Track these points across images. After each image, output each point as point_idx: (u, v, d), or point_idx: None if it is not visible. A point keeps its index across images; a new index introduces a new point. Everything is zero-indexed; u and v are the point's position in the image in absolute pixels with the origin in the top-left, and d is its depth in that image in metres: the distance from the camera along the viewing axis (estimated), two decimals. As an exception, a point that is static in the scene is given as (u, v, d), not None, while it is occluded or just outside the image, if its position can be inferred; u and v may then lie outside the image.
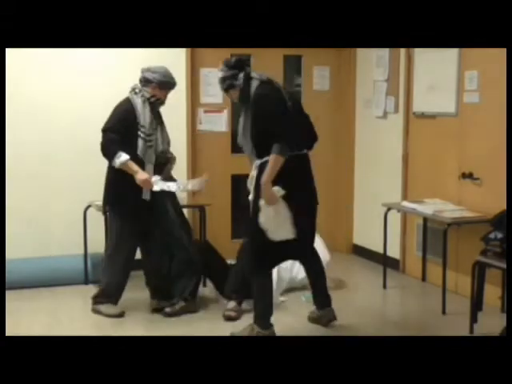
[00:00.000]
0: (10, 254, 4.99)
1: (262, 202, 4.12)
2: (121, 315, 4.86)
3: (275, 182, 4.12)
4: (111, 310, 4.87)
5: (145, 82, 4.76)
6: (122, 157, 4.60)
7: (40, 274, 5.54)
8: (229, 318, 4.80)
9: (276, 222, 4.12)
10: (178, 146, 6.23)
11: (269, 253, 4.24)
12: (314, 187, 4.51)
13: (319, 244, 5.12)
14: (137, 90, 4.77)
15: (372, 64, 6.38)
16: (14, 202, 5.49)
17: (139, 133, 4.67)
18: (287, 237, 4.14)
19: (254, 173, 4.26)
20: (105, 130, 4.69)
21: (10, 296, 4.87)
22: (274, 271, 4.64)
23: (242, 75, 4.27)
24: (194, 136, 6.35)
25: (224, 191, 6.56)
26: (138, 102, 4.72)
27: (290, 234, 4.15)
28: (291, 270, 5.34)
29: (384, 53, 6.17)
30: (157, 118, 4.83)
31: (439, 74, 5.55)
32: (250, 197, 4.28)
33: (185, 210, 6.17)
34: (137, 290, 5.20)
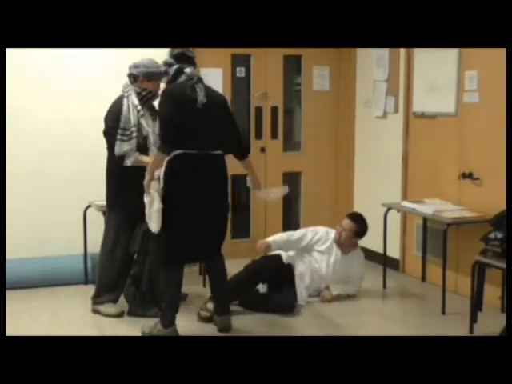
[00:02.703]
0: (10, 254, 4.98)
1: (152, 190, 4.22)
2: (120, 315, 4.85)
3: (175, 178, 4.18)
4: (110, 309, 4.86)
5: (133, 78, 4.78)
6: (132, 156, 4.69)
7: (40, 274, 5.53)
8: (203, 318, 4.75)
9: (148, 213, 4.25)
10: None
11: (177, 248, 4.26)
12: (223, 188, 4.43)
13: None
14: (124, 91, 4.78)
15: (372, 64, 6.38)
16: (14, 201, 5.49)
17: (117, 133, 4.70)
18: (152, 229, 4.25)
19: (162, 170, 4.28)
20: (106, 132, 4.76)
21: (10, 296, 4.87)
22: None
23: (175, 67, 4.29)
24: (194, 136, 6.34)
25: (224, 191, 6.55)
26: (124, 102, 4.73)
27: (155, 228, 4.23)
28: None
29: (384, 53, 6.17)
30: (151, 110, 4.84)
31: (439, 74, 5.55)
32: (153, 210, 4.23)
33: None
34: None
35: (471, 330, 4.49)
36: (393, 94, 6.13)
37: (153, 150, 4.59)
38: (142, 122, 4.75)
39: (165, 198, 4.20)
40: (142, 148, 4.73)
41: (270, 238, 5.32)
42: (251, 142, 6.67)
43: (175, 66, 4.29)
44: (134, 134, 4.70)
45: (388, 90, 6.19)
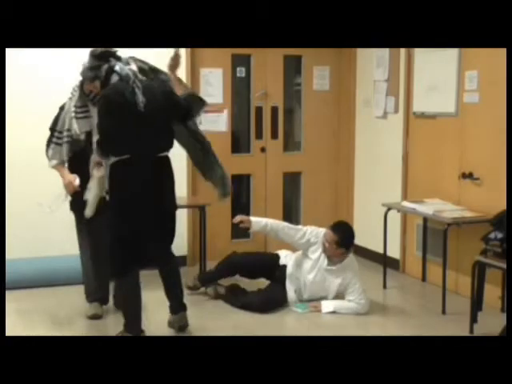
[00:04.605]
0: (9, 254, 4.98)
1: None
2: (93, 317, 4.78)
3: (117, 185, 4.16)
4: (88, 310, 4.83)
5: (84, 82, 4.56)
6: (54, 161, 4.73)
7: (40, 274, 5.53)
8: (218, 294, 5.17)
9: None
10: (178, 145, 6.24)
11: (121, 255, 4.20)
12: (169, 191, 4.35)
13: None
14: (72, 92, 4.66)
15: (372, 64, 6.38)
16: (14, 201, 5.49)
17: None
18: (86, 214, 4.38)
19: (105, 172, 4.22)
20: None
21: (10, 296, 4.86)
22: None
23: (105, 67, 4.16)
24: (194, 136, 6.34)
25: (224, 191, 6.55)
26: (65, 104, 4.68)
27: (88, 213, 4.37)
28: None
29: (384, 53, 6.17)
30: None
31: (439, 74, 5.55)
32: (90, 196, 4.34)
33: (185, 210, 6.20)
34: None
35: (471, 330, 4.50)
36: (393, 94, 6.13)
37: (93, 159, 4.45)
38: (74, 126, 4.56)
39: (109, 205, 4.22)
40: (79, 155, 4.60)
41: (254, 218, 5.24)
42: (251, 141, 6.68)
43: (105, 66, 4.15)
44: (65, 139, 4.62)
45: (388, 90, 6.19)
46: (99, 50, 4.19)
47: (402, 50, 5.97)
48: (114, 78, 4.14)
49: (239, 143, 6.73)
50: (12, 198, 5.38)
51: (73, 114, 4.56)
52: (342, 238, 5.01)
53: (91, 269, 4.87)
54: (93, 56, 4.19)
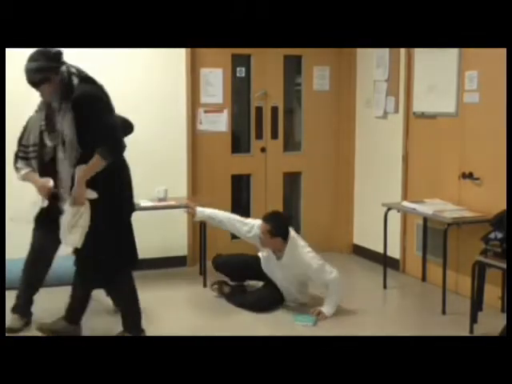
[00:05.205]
0: (10, 253, 4.98)
1: (67, 204, 3.93)
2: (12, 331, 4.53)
3: (126, 182, 4.11)
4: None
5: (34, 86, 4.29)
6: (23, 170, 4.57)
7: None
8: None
9: (71, 225, 3.92)
10: (178, 146, 6.25)
11: (122, 249, 4.13)
12: (121, 196, 4.11)
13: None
14: (39, 104, 4.43)
15: (372, 64, 6.38)
16: (14, 201, 5.48)
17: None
18: (72, 244, 4.01)
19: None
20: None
21: (11, 296, 4.86)
22: None
23: (64, 69, 3.88)
24: (194, 136, 6.35)
25: (224, 191, 6.56)
26: (32, 117, 4.54)
27: (77, 244, 3.97)
28: None
29: (384, 53, 6.17)
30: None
31: (439, 74, 5.55)
32: (84, 223, 3.95)
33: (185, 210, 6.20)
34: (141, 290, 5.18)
35: (471, 330, 4.49)
36: (393, 94, 6.13)
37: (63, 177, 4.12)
38: (46, 139, 4.35)
39: (104, 208, 3.96)
40: (47, 170, 4.35)
41: (200, 208, 5.19)
42: (251, 142, 6.68)
43: (64, 68, 3.91)
44: (32, 155, 4.47)
45: (388, 90, 6.19)
46: (52, 50, 3.89)
47: (402, 50, 5.97)
48: (75, 80, 3.90)
49: (239, 143, 6.74)
50: (12, 198, 5.37)
51: (43, 128, 4.36)
52: (275, 227, 4.93)
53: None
54: (45, 55, 3.86)
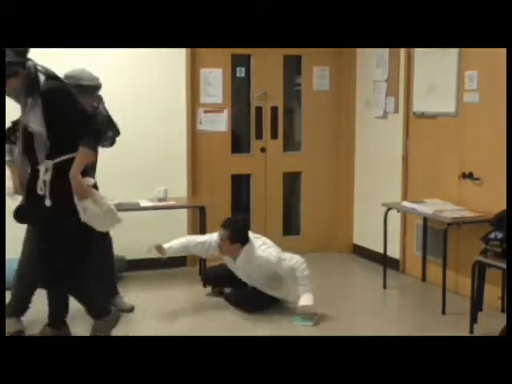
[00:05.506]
0: (10, 253, 4.98)
1: (77, 200, 3.87)
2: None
3: None
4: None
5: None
6: None
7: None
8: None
9: (101, 212, 3.94)
10: (178, 146, 6.25)
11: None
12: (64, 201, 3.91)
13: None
14: None
15: (372, 64, 6.38)
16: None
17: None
18: (112, 226, 4.11)
19: (45, 177, 3.86)
20: None
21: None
22: None
23: (31, 64, 3.85)
24: (194, 136, 6.36)
25: (224, 191, 6.56)
26: None
27: (116, 223, 4.08)
28: None
29: (384, 53, 6.17)
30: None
31: (439, 74, 5.55)
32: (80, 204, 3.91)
33: (185, 210, 6.21)
34: (141, 290, 5.19)
35: (471, 330, 4.50)
36: (393, 94, 6.13)
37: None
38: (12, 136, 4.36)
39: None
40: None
41: (167, 244, 5.03)
42: (251, 141, 6.68)
43: (30, 63, 3.85)
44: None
45: (388, 90, 6.19)
46: (22, 48, 3.84)
47: (402, 50, 5.97)
48: (42, 77, 3.86)
49: (239, 143, 6.74)
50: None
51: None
52: (233, 232, 4.94)
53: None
54: (12, 51, 3.76)
